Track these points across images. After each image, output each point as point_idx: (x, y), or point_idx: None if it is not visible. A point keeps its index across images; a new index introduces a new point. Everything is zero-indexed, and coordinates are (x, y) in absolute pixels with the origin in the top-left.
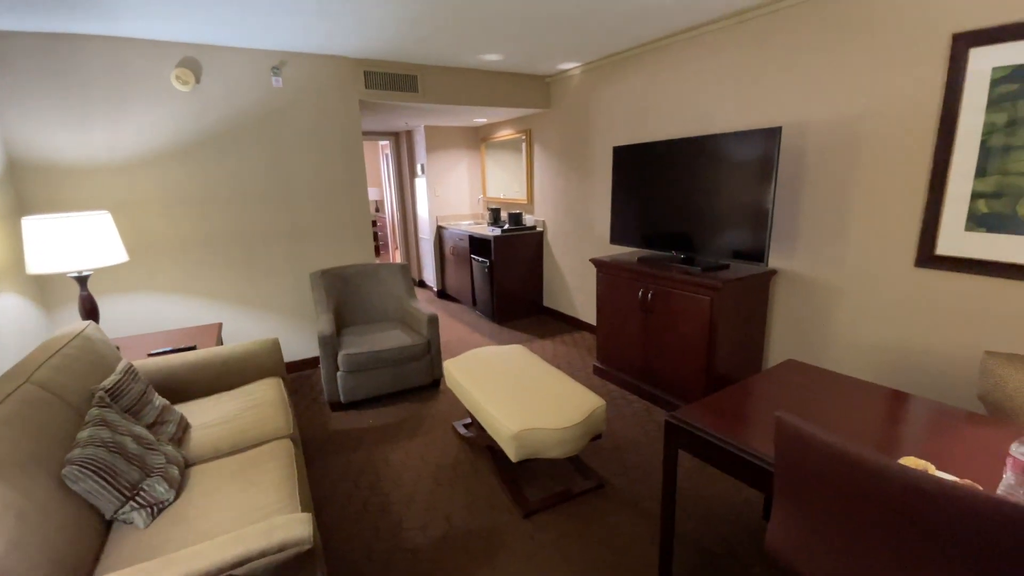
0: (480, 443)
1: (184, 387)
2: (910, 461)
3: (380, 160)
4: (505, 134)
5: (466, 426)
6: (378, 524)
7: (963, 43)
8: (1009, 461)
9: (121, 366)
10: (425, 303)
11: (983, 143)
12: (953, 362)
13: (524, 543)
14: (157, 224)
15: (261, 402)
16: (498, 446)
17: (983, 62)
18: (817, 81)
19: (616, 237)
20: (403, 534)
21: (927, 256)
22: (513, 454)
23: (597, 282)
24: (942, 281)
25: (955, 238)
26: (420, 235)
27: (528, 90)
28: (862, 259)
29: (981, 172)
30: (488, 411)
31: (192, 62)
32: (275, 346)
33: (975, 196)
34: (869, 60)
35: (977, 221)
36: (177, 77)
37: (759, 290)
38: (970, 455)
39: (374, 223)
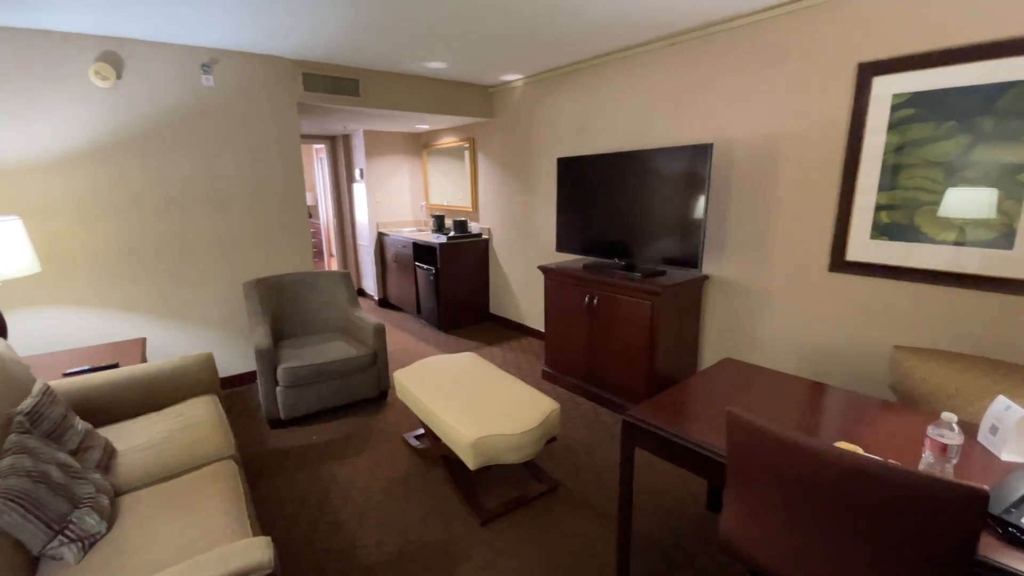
0: (434, 454)
1: (107, 409)
2: (843, 446)
3: (315, 164)
4: (448, 141)
5: (418, 437)
6: (329, 545)
7: (867, 72)
8: (927, 442)
9: (37, 387)
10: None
11: (884, 161)
12: (865, 356)
13: (483, 551)
14: (72, 231)
15: (195, 422)
16: (452, 455)
17: (885, 89)
18: (741, 102)
19: (562, 245)
20: (357, 552)
21: (839, 262)
22: (471, 462)
23: (545, 288)
24: (852, 284)
25: (862, 246)
26: (359, 242)
27: (471, 99)
28: (783, 265)
29: (883, 187)
30: (444, 420)
31: (113, 56)
32: (208, 361)
33: (879, 208)
34: (786, 84)
35: (881, 230)
36: (96, 72)
37: (694, 294)
38: (888, 438)
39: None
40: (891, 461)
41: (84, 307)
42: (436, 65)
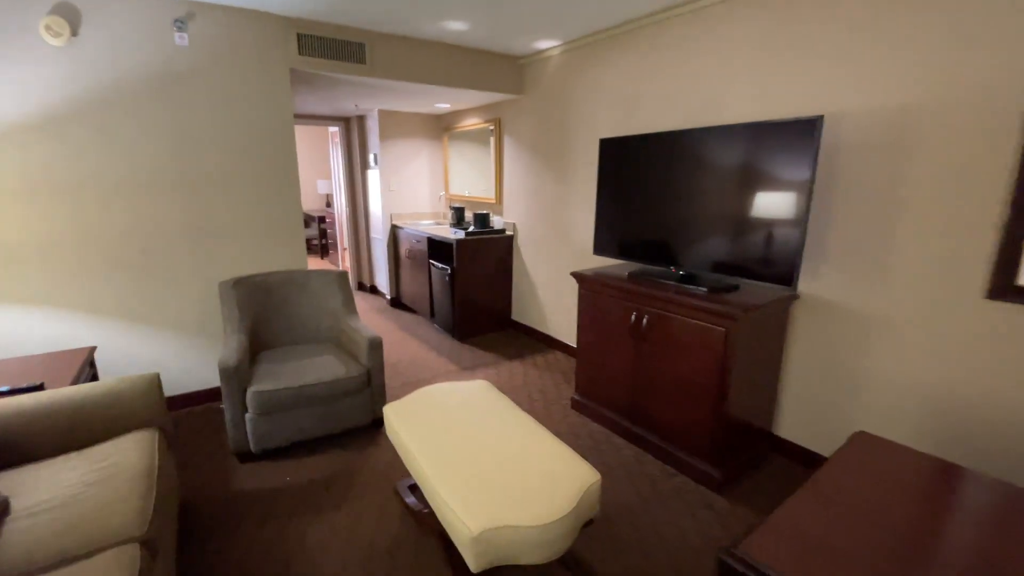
0: (429, 521)
1: (18, 446)
2: None
3: (330, 149)
4: (471, 123)
5: (412, 488)
6: None
7: None
8: None
9: None
10: (371, 318)
11: None
12: None
13: None
14: (17, 216)
15: (116, 472)
16: None
17: None
18: (855, 64)
19: (601, 247)
20: None
21: (1004, 286)
22: (474, 562)
23: (579, 300)
24: None
25: None
26: (372, 234)
27: (499, 72)
28: (912, 285)
29: None
30: (440, 495)
31: (68, 8)
32: (151, 385)
33: None
34: (925, 38)
35: None
36: (47, 27)
37: (777, 317)
38: None
39: (323, 219)
40: None
41: (32, 307)
42: (457, 26)
